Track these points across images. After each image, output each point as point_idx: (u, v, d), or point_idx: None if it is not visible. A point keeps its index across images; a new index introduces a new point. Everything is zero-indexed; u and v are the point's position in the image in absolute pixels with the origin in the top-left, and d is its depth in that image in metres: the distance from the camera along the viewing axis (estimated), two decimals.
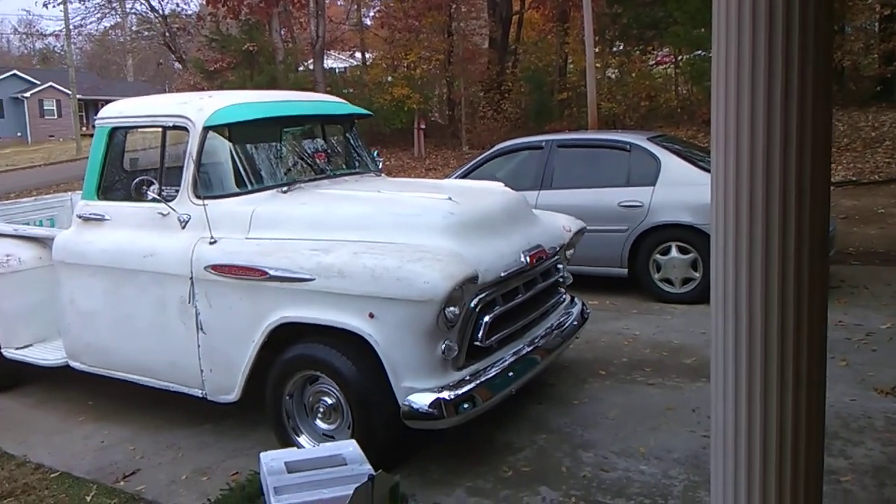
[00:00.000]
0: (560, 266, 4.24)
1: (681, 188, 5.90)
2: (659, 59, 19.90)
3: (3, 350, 4.64)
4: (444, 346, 3.25)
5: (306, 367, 3.51)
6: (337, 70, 29.41)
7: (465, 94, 20.72)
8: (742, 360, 1.70)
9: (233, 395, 3.69)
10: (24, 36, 52.15)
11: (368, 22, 27.02)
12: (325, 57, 22.54)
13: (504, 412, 3.90)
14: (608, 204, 6.12)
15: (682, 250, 5.92)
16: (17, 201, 6.56)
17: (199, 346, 3.74)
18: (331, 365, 3.40)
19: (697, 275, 5.85)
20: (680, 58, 18.18)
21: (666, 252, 5.98)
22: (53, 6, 27.97)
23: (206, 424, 4.12)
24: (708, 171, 5.70)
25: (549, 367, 4.12)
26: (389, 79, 20.92)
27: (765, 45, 1.59)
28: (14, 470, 3.77)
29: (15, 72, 44.43)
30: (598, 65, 16.17)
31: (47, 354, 4.52)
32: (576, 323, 4.26)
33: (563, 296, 4.37)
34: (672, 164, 6.09)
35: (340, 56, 30.36)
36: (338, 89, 20.86)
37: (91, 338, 4.20)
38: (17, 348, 4.64)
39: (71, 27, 29.82)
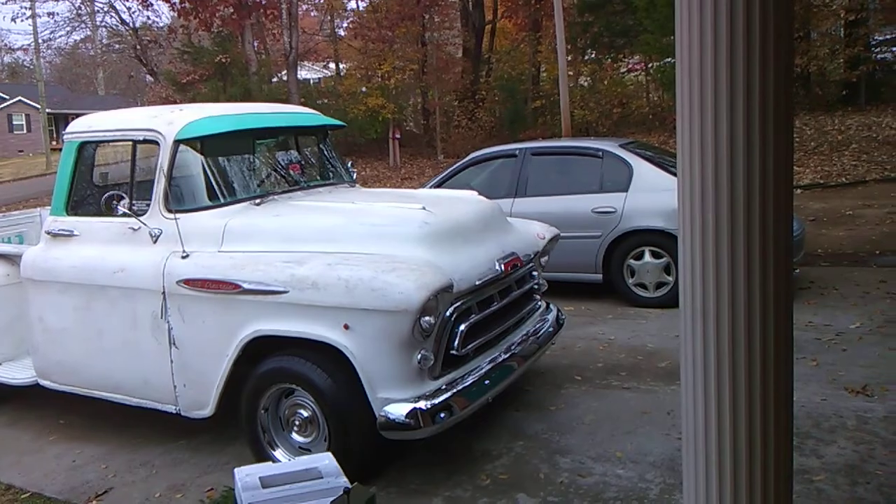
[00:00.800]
0: (535, 273, 4.27)
1: (653, 194, 5.97)
2: (630, 66, 20.15)
3: None
4: (419, 355, 3.25)
5: (281, 381, 3.48)
6: (311, 81, 29.33)
7: (440, 103, 20.78)
8: (710, 362, 1.72)
9: (207, 411, 3.65)
10: None
11: (342, 33, 27.04)
12: (299, 68, 22.48)
13: (481, 420, 3.90)
14: (582, 210, 6.17)
15: (655, 255, 5.98)
16: None
17: (172, 361, 3.69)
18: (306, 377, 3.38)
19: (671, 279, 5.91)
20: (651, 65, 18.43)
21: (639, 257, 6.04)
22: (22, 20, 27.65)
23: (180, 440, 4.06)
24: None
25: (526, 373, 4.14)
26: (364, 89, 20.91)
27: (726, 51, 1.62)
28: None
29: None
30: (570, 73, 16.34)
31: (16, 373, 4.43)
32: (551, 329, 4.28)
33: (539, 302, 4.39)
34: (644, 170, 6.16)
35: (315, 67, 30.30)
36: (312, 100, 20.79)
37: (61, 356, 4.13)
38: None
39: (40, 41, 29.43)
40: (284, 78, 21.62)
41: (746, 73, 1.63)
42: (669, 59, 15.80)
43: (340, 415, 3.32)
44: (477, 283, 3.59)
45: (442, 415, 3.24)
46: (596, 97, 18.13)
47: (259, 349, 3.51)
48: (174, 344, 3.68)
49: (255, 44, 22.04)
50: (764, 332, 1.68)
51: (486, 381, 3.53)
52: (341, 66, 27.31)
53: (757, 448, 1.70)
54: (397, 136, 19.03)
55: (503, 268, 3.79)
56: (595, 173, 6.31)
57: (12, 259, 4.57)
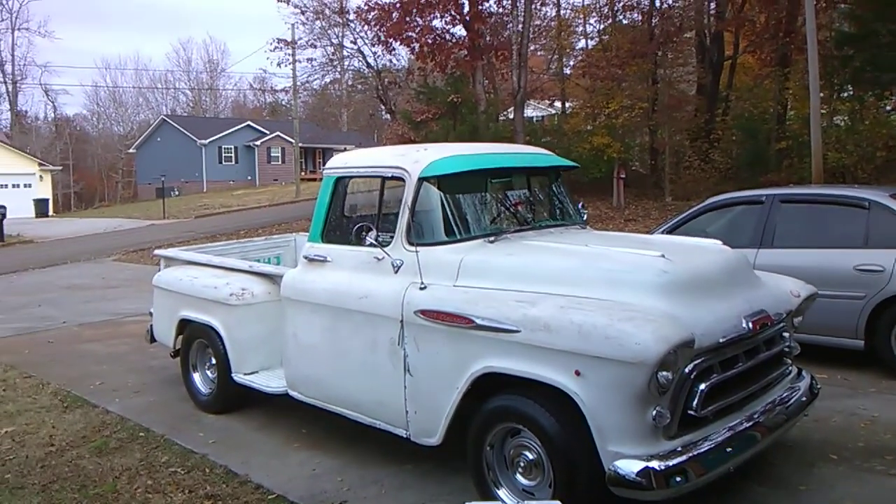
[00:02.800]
0: (786, 334, 3.85)
1: None
2: None
3: (233, 374, 5.14)
4: (654, 412, 3.06)
5: (508, 419, 3.47)
6: (534, 119, 29.84)
7: (670, 142, 19.97)
8: None
9: (435, 439, 3.75)
10: (259, 91, 59.49)
11: (568, 71, 27.24)
12: (525, 106, 22.97)
13: (718, 490, 3.56)
14: (841, 267, 5.49)
15: None
16: (251, 240, 7.46)
17: (405, 387, 3.86)
18: (533, 419, 3.33)
19: None
20: None
21: None
22: (285, 66, 31.41)
23: (407, 464, 4.21)
24: None
25: (771, 445, 3.72)
26: (589, 127, 20.78)
27: None
28: (237, 488, 4.10)
29: (249, 123, 50.69)
30: (823, 111, 14.82)
31: (271, 382, 4.92)
32: (804, 399, 3.83)
33: (790, 368, 3.95)
34: None
35: (539, 105, 30.80)
36: (536, 138, 21.08)
37: (309, 370, 4.51)
38: (246, 374, 5.11)
39: (297, 84, 33.25)
40: (510, 116, 22.21)
41: None
42: None
43: (567, 462, 3.22)
44: (721, 340, 3.32)
45: (678, 479, 3.02)
46: (855, 139, 16.19)
47: (488, 385, 3.54)
48: (408, 371, 3.84)
49: (485, 83, 22.93)
50: None
51: (728, 449, 3.23)
52: (567, 104, 27.47)
53: None
54: (622, 175, 18.57)
55: (751, 326, 3.47)
56: (859, 226, 5.59)
57: (273, 279, 5.13)
